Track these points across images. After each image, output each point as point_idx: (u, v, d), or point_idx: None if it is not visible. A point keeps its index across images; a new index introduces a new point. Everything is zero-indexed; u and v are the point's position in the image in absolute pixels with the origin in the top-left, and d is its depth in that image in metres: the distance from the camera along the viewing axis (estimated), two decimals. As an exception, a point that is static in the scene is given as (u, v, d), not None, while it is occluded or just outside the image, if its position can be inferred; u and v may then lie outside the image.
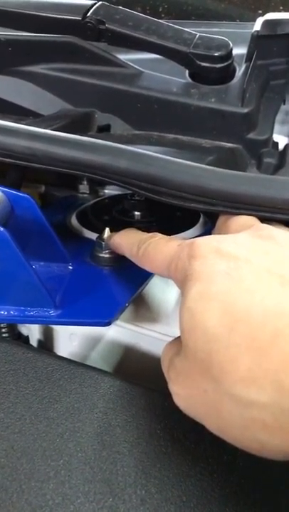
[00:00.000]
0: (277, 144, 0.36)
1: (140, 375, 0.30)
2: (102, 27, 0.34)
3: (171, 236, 0.24)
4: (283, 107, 0.38)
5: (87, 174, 0.23)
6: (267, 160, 0.33)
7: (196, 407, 0.18)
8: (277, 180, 0.23)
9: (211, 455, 0.23)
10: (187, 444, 0.23)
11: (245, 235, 0.20)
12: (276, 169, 0.32)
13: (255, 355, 0.16)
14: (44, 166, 0.24)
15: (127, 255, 0.26)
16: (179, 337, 0.20)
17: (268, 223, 0.23)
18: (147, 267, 0.24)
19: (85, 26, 0.34)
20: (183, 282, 0.20)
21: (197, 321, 0.18)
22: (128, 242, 0.26)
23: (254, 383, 0.16)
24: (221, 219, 0.24)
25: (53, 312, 0.27)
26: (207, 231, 0.34)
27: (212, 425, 0.18)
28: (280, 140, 0.37)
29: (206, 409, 0.18)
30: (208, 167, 0.23)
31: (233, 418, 0.16)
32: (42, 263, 0.30)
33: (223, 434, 0.18)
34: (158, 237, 0.24)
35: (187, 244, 0.21)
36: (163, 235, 0.24)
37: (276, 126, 0.36)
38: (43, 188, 0.42)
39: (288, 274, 0.17)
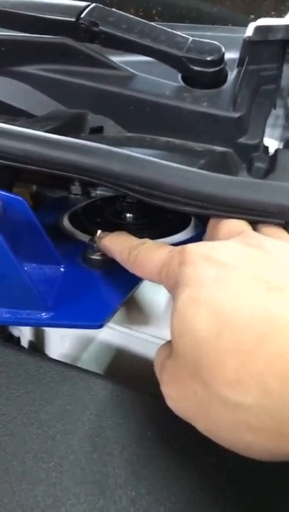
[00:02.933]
0: (267, 148, 0.36)
1: (131, 377, 0.31)
2: (95, 29, 0.34)
3: (161, 242, 0.24)
4: (273, 112, 0.38)
5: (81, 177, 0.24)
6: (257, 164, 0.33)
7: (187, 408, 0.19)
8: (269, 185, 0.23)
9: (200, 457, 0.23)
10: (177, 446, 0.24)
11: (234, 243, 0.21)
12: (266, 173, 0.32)
13: (242, 358, 0.16)
14: (38, 168, 0.24)
15: (118, 260, 0.26)
16: (171, 340, 0.20)
17: (257, 228, 0.23)
18: (138, 273, 0.25)
19: (78, 27, 0.34)
20: (174, 288, 0.20)
21: (187, 325, 0.18)
22: (119, 247, 0.26)
23: (240, 385, 0.16)
24: (212, 222, 0.25)
25: (44, 314, 0.27)
26: (198, 234, 0.35)
27: (202, 426, 0.18)
28: (271, 144, 0.37)
29: (196, 411, 0.18)
30: (201, 171, 0.24)
31: (221, 419, 0.17)
32: (34, 265, 0.30)
33: (212, 435, 0.18)
34: (148, 243, 0.25)
35: (177, 252, 0.21)
36: (153, 241, 0.25)
37: (267, 131, 0.36)
38: (34, 188, 0.42)
39: (274, 280, 0.18)
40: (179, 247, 0.21)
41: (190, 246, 0.21)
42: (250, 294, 0.17)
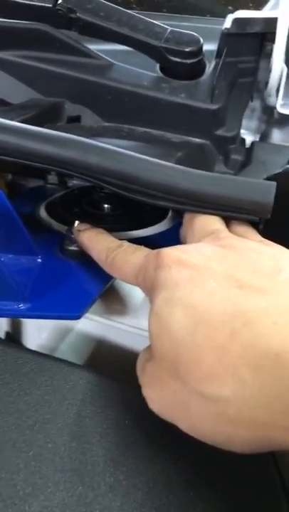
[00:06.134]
0: (244, 140, 0.37)
1: (109, 367, 0.31)
2: (72, 15, 0.34)
3: (137, 246, 0.25)
4: (250, 104, 0.39)
5: (57, 169, 0.23)
6: (234, 156, 0.34)
7: (168, 408, 0.19)
8: (243, 182, 0.23)
9: (177, 443, 0.24)
10: (154, 433, 0.24)
11: (205, 245, 0.21)
12: (243, 166, 0.33)
13: (216, 353, 0.17)
14: (13, 160, 0.24)
15: (95, 260, 0.27)
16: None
17: (230, 225, 0.24)
18: (115, 275, 0.25)
19: (55, 14, 0.34)
20: (150, 291, 0.21)
21: (163, 325, 0.19)
22: (97, 247, 0.27)
23: (217, 379, 0.17)
24: (187, 216, 0.25)
25: (21, 305, 0.27)
26: (176, 225, 0.35)
27: (183, 425, 0.19)
28: (247, 137, 0.38)
29: (176, 410, 0.19)
30: (177, 166, 0.24)
31: (201, 415, 0.18)
32: (10, 256, 0.30)
33: (194, 432, 0.19)
34: (125, 246, 0.25)
35: (153, 256, 0.22)
36: (130, 244, 0.25)
37: (243, 123, 0.36)
38: (10, 178, 0.41)
39: (245, 278, 0.19)
40: (155, 251, 0.22)
41: (164, 250, 0.21)
42: (222, 292, 0.18)
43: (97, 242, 0.27)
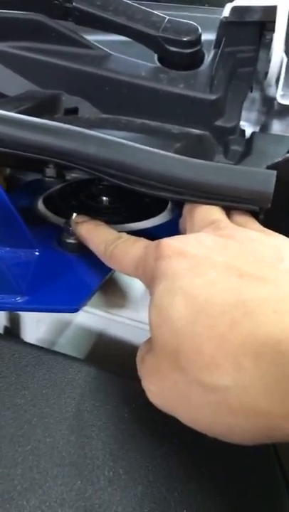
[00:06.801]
0: (244, 131, 0.36)
1: (108, 361, 0.31)
2: (68, 5, 0.33)
3: (137, 237, 0.25)
4: (250, 95, 0.38)
5: (55, 160, 0.23)
6: (234, 147, 0.33)
7: (168, 400, 0.19)
8: (243, 171, 0.23)
9: (176, 436, 0.24)
10: (153, 426, 0.24)
11: (206, 235, 0.21)
12: (243, 157, 0.32)
13: (217, 342, 0.17)
14: (11, 151, 0.23)
15: (94, 252, 0.27)
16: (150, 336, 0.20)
17: (230, 215, 0.23)
18: (115, 267, 0.25)
19: (51, 4, 0.33)
20: (150, 283, 0.21)
21: (163, 316, 0.19)
22: (95, 240, 0.27)
23: (217, 368, 0.16)
24: (187, 207, 0.25)
25: (19, 299, 0.26)
26: (175, 217, 0.34)
27: (184, 416, 0.19)
28: (247, 128, 0.37)
29: (177, 401, 0.19)
30: (177, 156, 0.23)
31: (201, 405, 0.17)
32: (8, 249, 0.29)
33: (194, 424, 0.18)
34: (124, 238, 0.25)
35: (153, 247, 0.21)
36: (129, 236, 0.25)
37: (243, 114, 0.36)
38: (8, 171, 0.41)
39: (245, 267, 0.18)
40: (155, 242, 0.22)
41: (164, 241, 0.21)
42: (222, 281, 0.18)
43: (96, 235, 0.27)
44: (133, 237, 0.25)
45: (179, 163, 0.23)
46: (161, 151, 0.23)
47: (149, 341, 0.21)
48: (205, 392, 0.17)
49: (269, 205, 0.22)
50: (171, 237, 0.21)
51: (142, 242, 0.24)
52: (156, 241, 0.22)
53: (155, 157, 0.23)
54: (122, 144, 0.23)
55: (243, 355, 0.16)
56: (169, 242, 0.21)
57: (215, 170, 0.23)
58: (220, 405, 0.17)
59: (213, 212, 0.23)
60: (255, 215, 0.24)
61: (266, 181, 0.22)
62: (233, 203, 0.23)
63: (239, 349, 0.16)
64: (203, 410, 0.17)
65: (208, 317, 0.17)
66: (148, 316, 0.20)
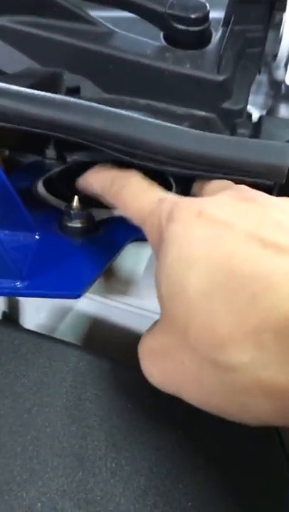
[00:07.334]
0: (251, 115, 0.35)
1: (110, 348, 0.30)
2: (72, -22, 0.32)
3: (150, 182, 0.23)
4: (257, 78, 0.37)
5: (60, 135, 0.22)
6: (241, 131, 0.32)
7: (173, 381, 0.18)
8: (258, 143, 0.22)
9: (180, 427, 0.23)
10: (157, 417, 0.23)
11: (226, 197, 0.19)
12: (250, 141, 0.31)
13: (235, 318, 0.16)
14: (14, 126, 0.22)
15: (98, 191, 0.25)
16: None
17: None
18: (119, 208, 0.23)
19: (53, -24, 0.32)
20: (158, 245, 0.19)
21: (177, 289, 0.17)
22: (100, 176, 0.24)
23: (234, 346, 0.15)
24: (198, 184, 0.24)
25: (19, 283, 0.25)
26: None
27: (192, 397, 0.18)
28: (254, 112, 0.36)
29: (184, 381, 0.18)
30: (187, 129, 0.22)
31: (213, 385, 0.16)
32: (6, 232, 0.28)
33: (203, 404, 0.17)
34: (137, 178, 0.23)
35: (168, 205, 0.20)
36: (142, 178, 0.23)
37: (250, 98, 0.35)
38: (6, 153, 0.40)
39: (269, 236, 0.17)
40: (170, 200, 0.20)
41: (181, 201, 0.19)
42: (243, 252, 0.17)
43: (102, 171, 0.25)
44: (148, 180, 0.23)
45: (191, 136, 0.22)
46: (171, 125, 0.22)
47: (153, 327, 0.20)
48: (218, 370, 0.16)
49: (284, 180, 0.21)
50: (188, 198, 0.20)
51: (156, 192, 0.22)
52: (173, 199, 0.20)
53: (165, 130, 0.22)
54: (129, 116, 0.22)
55: (264, 331, 0.15)
56: (186, 204, 0.19)
57: (227, 143, 0.22)
58: (234, 384, 0.16)
59: (226, 183, 0.22)
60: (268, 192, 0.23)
61: (282, 154, 0.21)
62: (246, 177, 0.22)
63: (260, 325, 0.15)
64: (215, 390, 0.16)
65: (226, 291, 0.16)
66: (156, 285, 0.18)
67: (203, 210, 0.18)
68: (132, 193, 0.22)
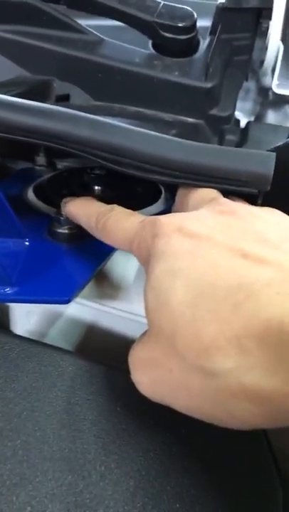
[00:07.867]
0: (238, 121, 0.36)
1: (100, 353, 0.30)
2: (60, -12, 0.32)
3: (129, 210, 0.24)
4: (245, 85, 0.38)
5: (47, 143, 0.22)
6: (229, 137, 0.33)
7: (163, 389, 0.19)
8: (242, 153, 0.23)
9: (169, 429, 0.23)
10: (146, 420, 0.24)
11: (206, 212, 0.20)
12: (237, 147, 0.32)
13: (218, 326, 0.16)
14: (1, 134, 0.22)
15: (85, 227, 0.26)
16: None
17: (228, 197, 0.23)
18: (107, 242, 0.24)
19: (42, -14, 0.32)
20: (146, 261, 0.20)
21: (162, 299, 0.18)
22: (85, 212, 0.25)
23: (218, 352, 0.16)
24: (182, 191, 0.24)
25: (8, 289, 0.26)
26: (169, 207, 0.34)
27: (181, 405, 0.18)
28: (242, 119, 0.37)
29: (173, 390, 0.18)
30: (172, 138, 0.23)
31: (201, 391, 0.17)
32: (-3, 238, 0.29)
33: (192, 411, 0.18)
34: (118, 210, 0.24)
35: (150, 222, 0.20)
36: (123, 209, 0.24)
37: (237, 104, 0.35)
38: (-3, 160, 0.40)
39: (248, 247, 0.18)
40: (151, 218, 0.21)
41: (163, 218, 0.20)
42: (225, 263, 0.17)
43: (87, 207, 0.26)
44: (127, 210, 0.24)
45: (176, 145, 0.22)
46: (157, 133, 0.22)
47: (143, 335, 0.20)
48: (204, 377, 0.16)
49: (268, 188, 0.22)
50: (170, 214, 0.21)
51: (138, 216, 0.22)
52: (154, 217, 0.21)
53: (151, 139, 0.22)
54: (115, 125, 0.22)
55: (246, 337, 0.15)
56: (168, 220, 0.20)
57: (213, 152, 0.22)
58: (221, 390, 0.16)
59: (210, 192, 0.22)
60: (253, 201, 0.23)
61: (266, 163, 0.21)
62: (231, 186, 0.22)
63: (242, 331, 0.16)
64: (203, 397, 0.17)
65: (210, 301, 0.16)
66: (144, 298, 0.19)
67: (184, 225, 0.19)
68: (116, 224, 0.23)
